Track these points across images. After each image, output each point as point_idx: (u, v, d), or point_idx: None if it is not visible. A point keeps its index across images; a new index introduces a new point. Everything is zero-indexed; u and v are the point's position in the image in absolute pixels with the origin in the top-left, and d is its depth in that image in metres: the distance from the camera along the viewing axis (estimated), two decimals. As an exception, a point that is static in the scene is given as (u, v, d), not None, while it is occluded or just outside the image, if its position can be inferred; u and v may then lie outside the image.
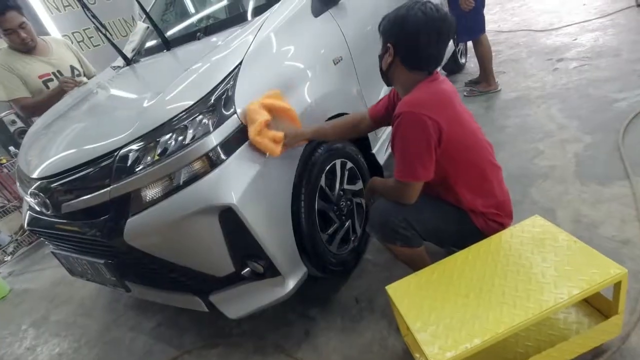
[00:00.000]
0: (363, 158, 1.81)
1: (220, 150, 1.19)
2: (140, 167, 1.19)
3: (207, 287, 1.38)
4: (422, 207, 1.24)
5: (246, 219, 1.18)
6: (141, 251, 1.24)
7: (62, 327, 2.18)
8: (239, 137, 1.22)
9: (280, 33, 1.46)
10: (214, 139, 1.18)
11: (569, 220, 1.59)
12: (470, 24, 2.70)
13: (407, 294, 1.14)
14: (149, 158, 1.19)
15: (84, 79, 2.28)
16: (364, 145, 1.86)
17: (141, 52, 2.24)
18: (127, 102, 1.56)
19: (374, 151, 1.92)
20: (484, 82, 3.00)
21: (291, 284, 1.36)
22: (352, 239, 1.75)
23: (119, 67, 2.19)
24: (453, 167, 1.18)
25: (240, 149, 1.21)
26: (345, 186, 1.70)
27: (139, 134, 1.20)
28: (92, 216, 1.32)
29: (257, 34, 1.39)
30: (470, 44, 3.36)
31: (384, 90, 2.05)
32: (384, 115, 1.43)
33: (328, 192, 1.57)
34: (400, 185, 1.19)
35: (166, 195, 1.18)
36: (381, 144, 2.01)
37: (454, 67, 3.61)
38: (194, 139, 1.18)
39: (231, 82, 1.25)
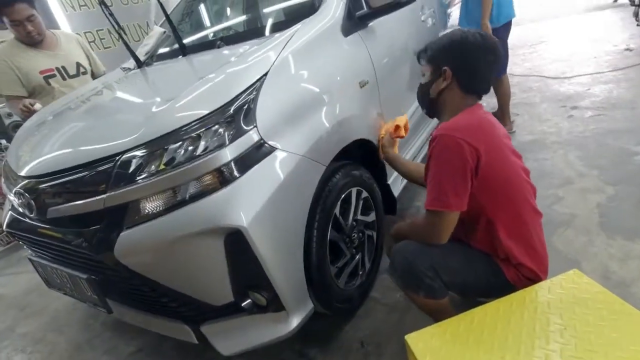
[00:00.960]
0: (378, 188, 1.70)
1: (234, 166, 1.07)
2: (143, 175, 1.07)
3: (200, 316, 1.22)
4: (451, 254, 1.12)
5: (255, 245, 1.04)
6: (131, 270, 1.10)
7: (29, 341, 1.97)
8: (256, 154, 1.10)
9: (310, 48, 1.37)
10: (229, 153, 1.06)
11: (597, 275, 1.48)
12: None
13: (429, 347, 0.99)
14: (153, 167, 1.07)
15: (38, 106, 2.07)
16: (379, 175, 1.75)
17: (154, 57, 2.15)
18: (134, 105, 1.45)
19: (389, 182, 1.81)
20: (500, 121, 2.94)
21: (295, 321, 1.21)
22: (360, 273, 1.61)
23: (129, 69, 2.10)
24: (491, 201, 1.07)
25: (256, 166, 1.10)
26: (359, 216, 1.58)
27: (145, 139, 1.08)
28: (80, 225, 1.18)
29: (286, 46, 1.31)
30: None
31: (404, 120, 1.97)
32: None
33: (342, 221, 1.45)
34: (430, 216, 1.08)
35: (168, 209, 1.06)
36: (397, 176, 1.90)
37: None
38: (206, 151, 1.06)
39: (253, 94, 1.14)
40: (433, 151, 1.06)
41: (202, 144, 1.06)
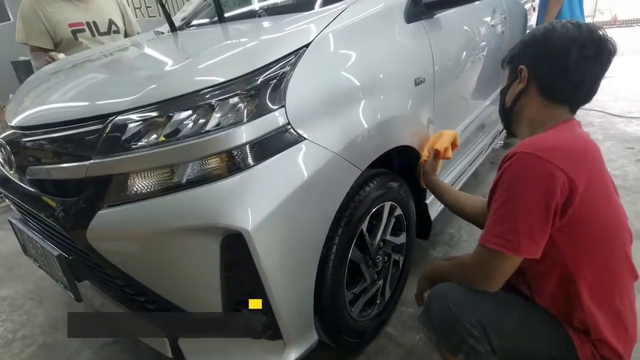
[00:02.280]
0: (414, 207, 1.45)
1: (249, 151, 0.84)
2: (137, 145, 0.85)
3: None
4: (507, 310, 0.85)
5: (259, 256, 0.82)
6: (104, 258, 0.89)
7: (6, 308, 1.82)
8: (279, 140, 0.88)
9: (363, 28, 1.13)
10: (246, 133, 0.84)
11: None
12: None
13: None
14: (153, 136, 0.85)
15: (60, 55, 2.00)
16: (417, 191, 1.49)
17: (190, 23, 1.97)
18: (151, 63, 1.25)
19: (427, 201, 1.55)
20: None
21: (293, 355, 0.97)
22: (378, 302, 1.36)
23: (161, 32, 1.92)
24: (577, 250, 0.80)
25: (276, 156, 0.87)
26: (388, 237, 1.32)
27: (147, 101, 0.86)
28: (59, 193, 0.98)
29: (335, 20, 1.07)
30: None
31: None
32: None
33: (368, 239, 1.20)
34: (485, 255, 0.81)
35: (160, 192, 0.84)
36: (437, 194, 1.64)
37: None
38: (218, 127, 0.84)
39: (287, 68, 0.91)
40: (507, 173, 0.79)
41: (215, 117, 0.84)
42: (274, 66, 0.89)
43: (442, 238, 1.93)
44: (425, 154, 1.34)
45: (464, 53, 1.63)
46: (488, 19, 1.87)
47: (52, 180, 0.98)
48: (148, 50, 1.41)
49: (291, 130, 0.88)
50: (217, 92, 0.85)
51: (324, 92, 0.97)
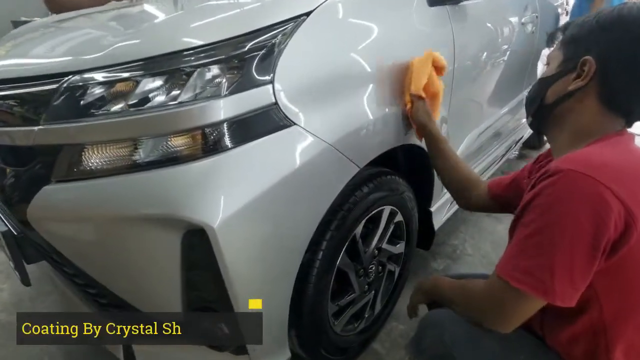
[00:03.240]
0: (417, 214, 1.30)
1: (225, 130, 0.71)
2: (98, 111, 0.72)
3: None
4: (512, 353, 0.71)
5: (224, 258, 0.68)
6: (44, 240, 0.76)
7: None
8: (264, 122, 0.73)
9: (378, 2, 0.98)
10: (224, 108, 0.70)
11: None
12: None
13: None
14: (117, 106, 0.72)
15: None
16: (422, 197, 1.35)
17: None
18: (131, 21, 1.09)
19: (432, 209, 1.40)
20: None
21: (259, 373, 0.84)
22: (366, 316, 1.22)
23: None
24: (618, 301, 0.64)
25: (259, 140, 0.73)
26: (384, 245, 1.18)
27: (111, 60, 0.72)
28: (10, 160, 0.85)
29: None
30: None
31: (470, 139, 1.54)
32: (504, 193, 0.95)
33: (360, 246, 1.06)
34: (504, 290, 0.63)
35: (116, 170, 0.71)
36: (444, 202, 1.49)
37: (534, 140, 3.00)
38: (193, 98, 0.70)
39: (279, 38, 0.76)
40: (546, 193, 0.61)
41: (190, 86, 0.70)
42: (266, 32, 0.74)
43: (444, 249, 1.78)
44: (407, 102, 1.03)
45: (488, 50, 1.47)
46: (518, 15, 1.70)
47: (3, 145, 0.85)
48: (153, 7, 1.26)
49: (278, 111, 0.74)
50: (194, 57, 0.71)
51: (323, 71, 0.82)
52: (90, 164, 0.72)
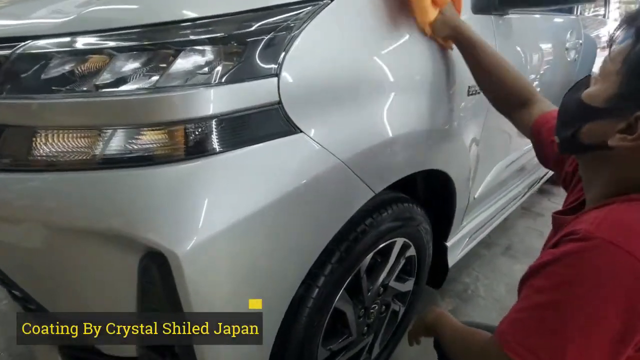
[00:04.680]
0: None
1: (214, 128, 0.55)
2: (57, 88, 0.57)
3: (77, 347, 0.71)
4: None
5: (189, 297, 0.52)
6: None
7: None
8: (261, 124, 0.58)
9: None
10: (215, 100, 0.54)
11: None
12: None
13: None
14: (82, 84, 0.57)
15: None
16: (439, 229, 1.18)
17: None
18: None
19: (448, 243, 1.24)
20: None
21: None
22: (361, 361, 1.05)
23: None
24: None
25: (251, 148, 0.57)
26: (392, 282, 1.02)
27: (81, 26, 0.58)
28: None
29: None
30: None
31: (497, 169, 1.38)
32: (544, 137, 0.78)
33: (365, 283, 0.90)
34: (499, 358, 0.50)
35: (70, 165, 0.56)
36: (461, 237, 1.32)
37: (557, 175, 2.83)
38: (175, 83, 0.55)
39: (295, 23, 0.61)
40: (568, 262, 0.46)
41: (177, 66, 0.55)
42: (278, 14, 0.59)
43: (454, 287, 1.60)
44: (429, 15, 0.79)
45: (531, 70, 1.31)
46: (564, 39, 1.54)
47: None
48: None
49: (282, 113, 0.59)
50: (184, 32, 0.56)
51: (341, 71, 0.66)
52: (41, 154, 0.57)
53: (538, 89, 1.42)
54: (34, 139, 0.57)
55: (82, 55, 0.58)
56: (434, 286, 1.32)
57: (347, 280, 0.83)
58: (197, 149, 0.55)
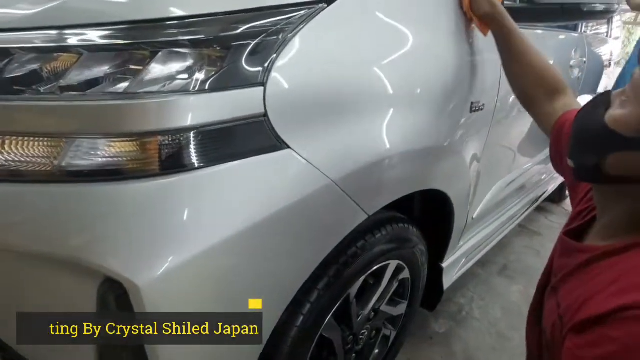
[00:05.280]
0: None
1: (194, 142, 0.49)
2: (22, 88, 0.51)
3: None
4: None
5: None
6: None
7: None
8: (244, 138, 0.52)
9: (423, 6, 0.78)
10: (193, 109, 0.49)
11: None
12: None
13: None
14: (44, 85, 0.51)
15: None
16: (435, 251, 1.12)
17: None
18: None
19: (444, 265, 1.18)
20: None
21: None
22: (347, 390, 0.99)
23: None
24: None
25: (231, 164, 0.51)
26: (384, 307, 0.95)
27: (47, 20, 0.52)
28: None
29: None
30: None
31: (498, 187, 1.33)
32: (563, 140, 0.68)
33: (354, 309, 0.83)
34: None
35: (25, 176, 0.49)
36: (458, 257, 1.26)
37: (555, 194, 2.76)
38: (156, 90, 0.49)
39: (288, 27, 0.55)
40: (609, 349, 0.38)
41: (151, 71, 0.49)
42: (269, 17, 0.53)
43: (448, 308, 1.54)
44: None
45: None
46: (568, 57, 1.50)
47: None
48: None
49: (268, 126, 0.53)
50: (162, 32, 0.50)
51: (334, 83, 0.61)
52: (-5, 161, 0.50)
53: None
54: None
55: (47, 53, 0.52)
56: (428, 308, 1.26)
57: (335, 307, 0.77)
58: (172, 164, 0.49)
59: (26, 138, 0.50)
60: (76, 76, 0.50)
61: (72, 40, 0.51)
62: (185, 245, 0.49)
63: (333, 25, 0.60)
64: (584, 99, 1.89)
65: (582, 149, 0.50)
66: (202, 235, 0.50)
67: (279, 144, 0.54)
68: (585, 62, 1.67)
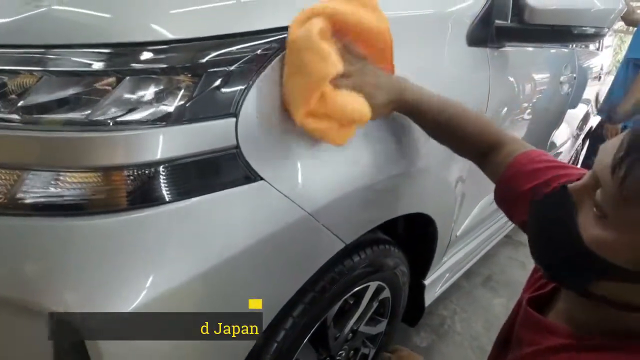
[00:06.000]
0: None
1: (164, 175, 0.47)
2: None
3: None
4: None
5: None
6: None
7: None
8: (212, 171, 0.50)
9: (413, 26, 0.76)
10: (163, 143, 0.46)
11: None
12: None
13: None
14: (7, 107, 0.47)
15: None
16: (417, 268, 1.11)
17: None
18: None
19: (426, 282, 1.17)
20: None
21: None
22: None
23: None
24: None
25: (202, 197, 0.49)
26: (362, 327, 0.94)
27: (14, 38, 0.49)
28: None
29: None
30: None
31: (485, 202, 1.32)
32: (509, 196, 0.62)
33: (332, 332, 0.82)
34: None
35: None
36: (440, 274, 1.26)
37: None
38: (121, 118, 0.46)
39: (266, 53, 0.52)
40: None
41: (116, 98, 0.46)
42: (242, 43, 0.51)
43: (430, 321, 1.54)
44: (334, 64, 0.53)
45: (522, 107, 1.26)
46: (558, 72, 1.50)
47: None
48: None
49: (240, 158, 0.50)
50: (130, 57, 0.47)
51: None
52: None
53: (529, 126, 1.39)
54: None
55: (9, 73, 0.49)
56: (410, 324, 1.25)
57: (311, 332, 0.75)
58: (139, 198, 0.47)
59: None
60: (37, 98, 0.47)
61: (38, 62, 0.48)
62: (152, 284, 0.46)
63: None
64: (572, 114, 1.90)
65: (554, 262, 0.44)
66: (170, 272, 0.48)
67: (252, 176, 0.52)
68: (575, 77, 1.67)
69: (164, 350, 0.50)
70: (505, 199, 0.64)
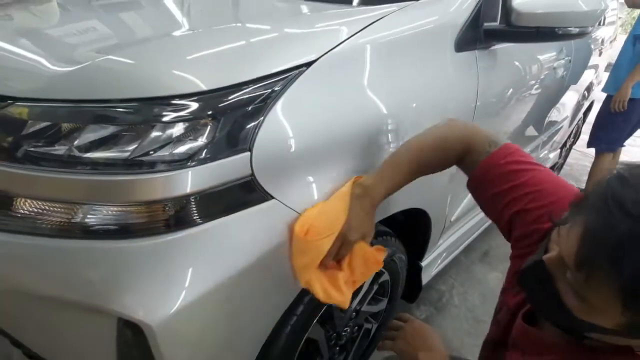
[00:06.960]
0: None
1: (193, 203, 0.58)
2: (39, 150, 0.59)
3: None
4: None
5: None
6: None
7: None
8: (232, 197, 0.61)
9: (398, 50, 0.84)
10: (194, 180, 0.57)
11: None
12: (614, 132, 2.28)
13: None
14: (62, 148, 0.58)
15: None
16: (414, 252, 1.23)
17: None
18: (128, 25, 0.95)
19: (423, 263, 1.29)
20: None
21: None
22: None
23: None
24: None
25: (225, 218, 0.60)
26: (365, 307, 1.07)
27: (58, 93, 0.59)
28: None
29: (361, 32, 0.78)
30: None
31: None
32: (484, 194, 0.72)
33: (337, 313, 0.95)
34: None
35: (46, 231, 0.58)
36: (436, 255, 1.38)
37: None
38: (154, 160, 0.57)
39: (270, 93, 0.62)
40: None
41: (146, 146, 0.57)
42: (251, 88, 0.60)
43: (429, 295, 1.68)
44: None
45: (512, 99, 1.32)
46: (551, 58, 1.55)
47: None
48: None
49: (254, 183, 0.61)
50: (161, 107, 0.57)
51: (314, 138, 0.68)
52: (18, 216, 0.59)
53: (522, 113, 1.45)
54: (12, 202, 0.59)
55: (57, 122, 0.59)
56: (408, 300, 1.38)
57: (320, 313, 0.88)
58: (174, 223, 0.58)
59: (45, 202, 0.58)
60: (88, 137, 0.58)
61: (78, 112, 0.58)
62: (188, 289, 0.58)
63: (314, 85, 0.67)
64: (569, 97, 1.94)
65: (550, 319, 0.51)
66: (203, 279, 0.59)
67: (265, 196, 0.63)
68: (570, 61, 1.71)
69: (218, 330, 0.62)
70: (477, 199, 0.75)
